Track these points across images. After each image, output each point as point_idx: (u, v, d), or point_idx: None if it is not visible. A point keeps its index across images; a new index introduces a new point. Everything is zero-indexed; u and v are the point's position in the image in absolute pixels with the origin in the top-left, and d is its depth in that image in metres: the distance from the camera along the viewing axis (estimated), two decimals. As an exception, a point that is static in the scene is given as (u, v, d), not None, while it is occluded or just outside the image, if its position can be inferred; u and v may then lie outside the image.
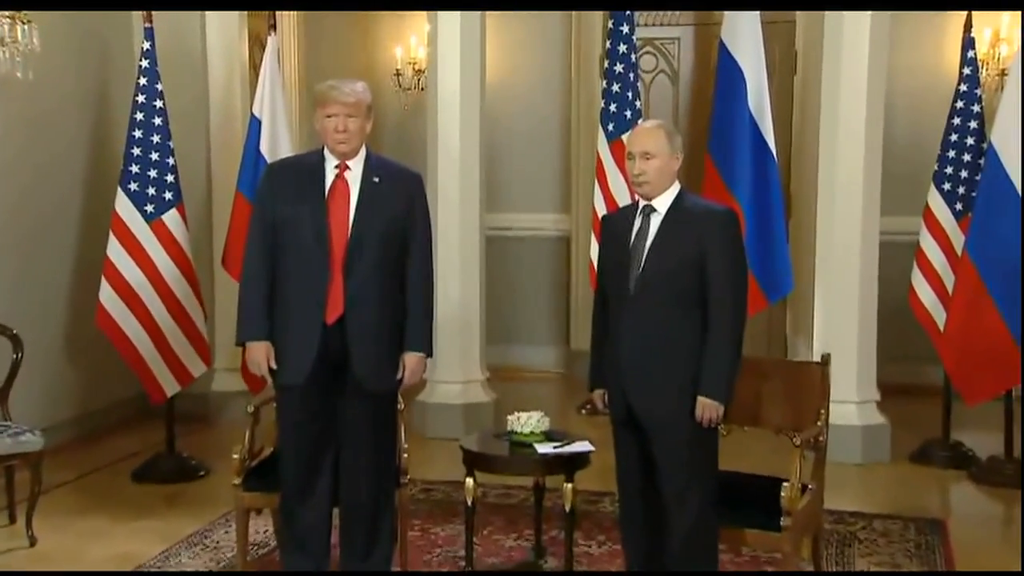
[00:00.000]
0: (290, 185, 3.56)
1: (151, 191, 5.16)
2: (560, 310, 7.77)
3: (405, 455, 3.98)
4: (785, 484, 3.45)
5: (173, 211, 5.20)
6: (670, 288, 3.30)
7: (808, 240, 5.94)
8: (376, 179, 3.55)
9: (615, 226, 3.50)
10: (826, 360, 3.80)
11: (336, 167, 3.56)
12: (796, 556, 3.52)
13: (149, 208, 5.16)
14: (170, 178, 5.21)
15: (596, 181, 6.31)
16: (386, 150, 7.79)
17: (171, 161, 5.22)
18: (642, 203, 3.43)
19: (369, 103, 3.56)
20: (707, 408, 3.28)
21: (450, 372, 5.99)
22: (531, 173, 7.73)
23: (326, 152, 3.59)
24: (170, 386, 5.22)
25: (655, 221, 3.38)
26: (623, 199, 6.27)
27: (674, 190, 3.42)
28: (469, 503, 3.98)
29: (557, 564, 4.08)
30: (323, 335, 3.50)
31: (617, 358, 3.39)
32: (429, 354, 3.67)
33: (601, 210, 6.31)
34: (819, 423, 3.71)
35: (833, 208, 5.48)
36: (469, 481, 3.97)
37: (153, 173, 5.17)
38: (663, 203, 3.39)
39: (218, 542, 4.38)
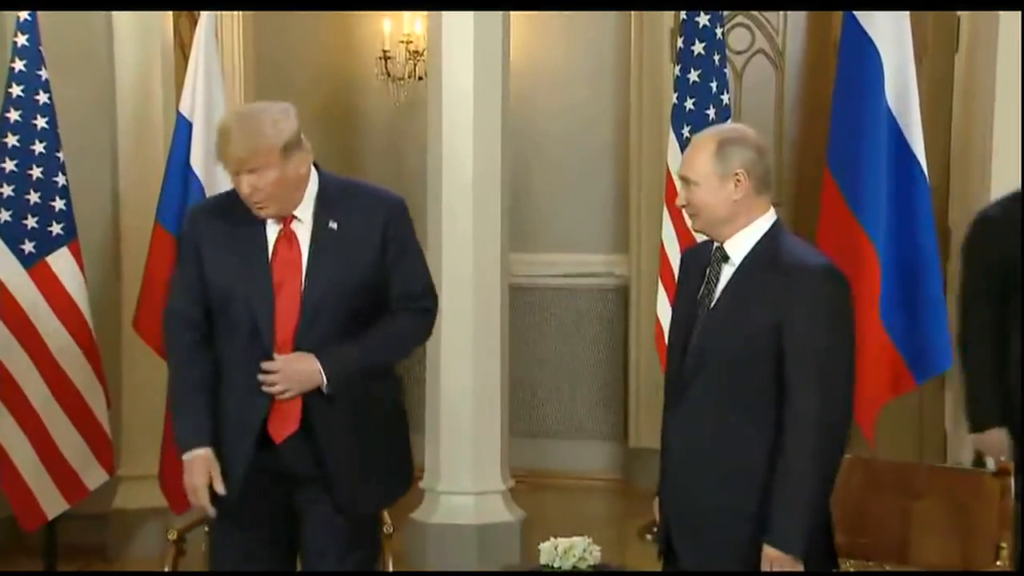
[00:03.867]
0: (222, 247, 3.58)
1: (31, 223, 5.18)
2: (615, 391, 7.73)
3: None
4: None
5: (64, 250, 5.24)
6: (732, 375, 3.24)
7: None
8: (333, 224, 3.55)
9: (689, 266, 3.50)
10: (1006, 468, 3.80)
11: (280, 219, 3.58)
12: None
13: (28, 247, 5.19)
14: (59, 204, 5.23)
15: (665, 208, 6.22)
16: (371, 166, 7.82)
17: (61, 180, 5.24)
18: (715, 243, 3.40)
19: (285, 140, 3.46)
20: (775, 562, 3.23)
21: (458, 479, 5.94)
22: (574, 198, 7.73)
23: None
24: (53, 505, 5.20)
25: (726, 274, 3.32)
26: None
27: (758, 228, 3.33)
28: (483, 678, 3.91)
29: None
30: (270, 458, 3.55)
31: (661, 472, 3.39)
32: (329, 381, 3.57)
33: (672, 249, 6.20)
34: (999, 563, 3.69)
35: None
36: (485, 642, 3.91)
37: (34, 197, 5.19)
38: (739, 247, 3.33)
39: None
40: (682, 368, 3.32)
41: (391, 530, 3.98)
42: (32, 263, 5.16)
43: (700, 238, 5.92)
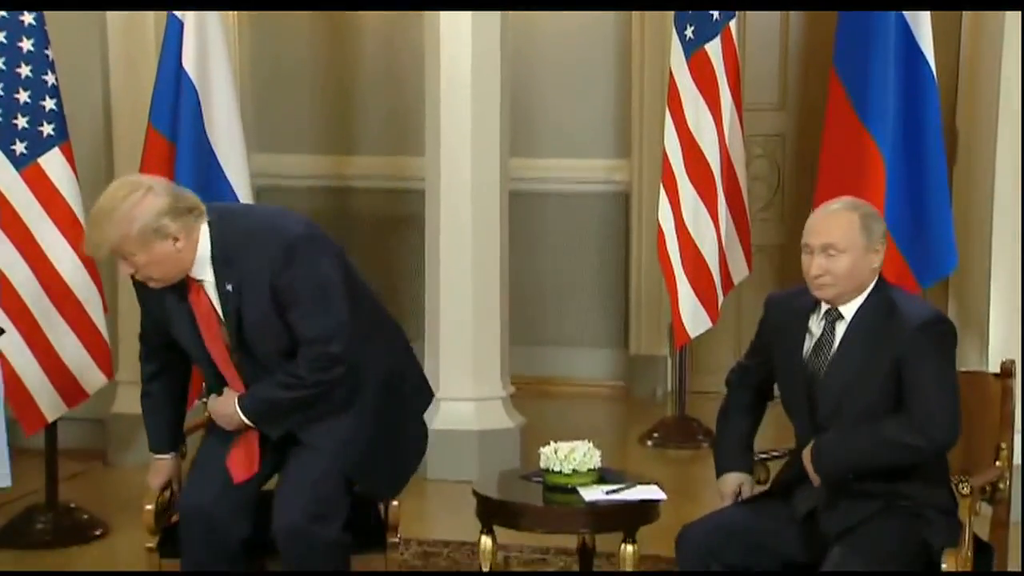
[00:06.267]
0: (155, 302, 3.75)
1: (21, 123, 5.15)
2: (615, 298, 7.77)
3: (394, 502, 3.99)
4: (949, 549, 3.45)
5: (55, 152, 5.20)
6: (867, 414, 3.51)
7: (981, 198, 5.88)
8: (229, 286, 3.64)
9: (781, 319, 3.70)
10: (1008, 370, 3.81)
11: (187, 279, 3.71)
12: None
13: (19, 148, 5.15)
14: (49, 104, 5.19)
15: (668, 112, 6.26)
16: (366, 72, 7.79)
17: (50, 79, 5.20)
18: (824, 304, 3.59)
19: (139, 228, 3.51)
20: (805, 458, 3.59)
21: (458, 385, 6.01)
22: (574, 102, 7.71)
23: None
24: (53, 408, 5.22)
25: (839, 330, 3.58)
26: (707, 140, 6.21)
27: (868, 286, 3.57)
28: (486, 570, 4.01)
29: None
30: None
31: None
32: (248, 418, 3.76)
33: (675, 153, 6.25)
34: (999, 463, 3.72)
35: (1021, 150, 5.39)
36: (486, 541, 4.01)
37: (23, 97, 5.15)
38: (852, 305, 3.57)
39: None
40: (813, 419, 3.59)
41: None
42: (24, 165, 5.12)
43: (706, 146, 6.04)
